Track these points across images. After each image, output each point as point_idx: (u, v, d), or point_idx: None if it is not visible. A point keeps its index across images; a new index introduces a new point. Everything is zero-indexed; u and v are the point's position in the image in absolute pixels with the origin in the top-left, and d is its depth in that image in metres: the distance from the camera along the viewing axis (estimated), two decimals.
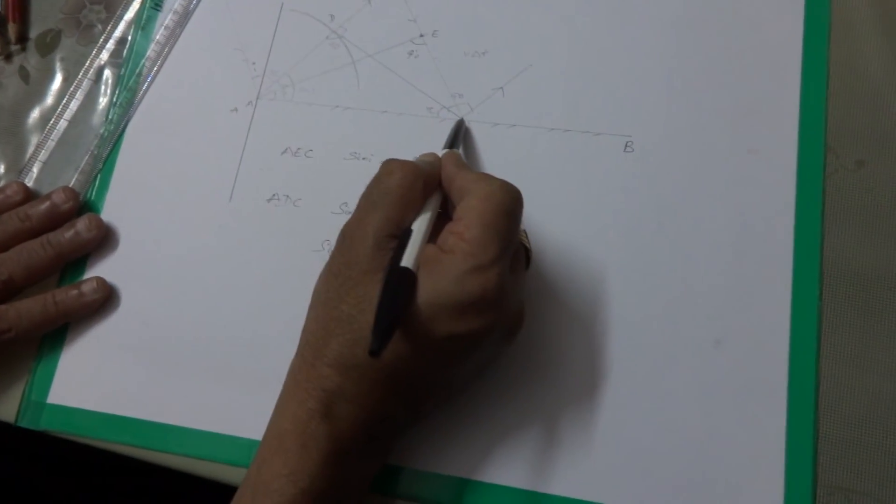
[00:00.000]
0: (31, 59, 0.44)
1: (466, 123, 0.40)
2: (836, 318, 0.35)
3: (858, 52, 0.39)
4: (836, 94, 0.38)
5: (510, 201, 0.31)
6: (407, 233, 0.31)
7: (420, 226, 0.31)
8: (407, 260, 0.29)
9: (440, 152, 0.35)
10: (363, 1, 0.43)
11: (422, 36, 0.42)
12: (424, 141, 0.40)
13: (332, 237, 0.38)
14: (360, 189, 0.39)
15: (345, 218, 0.38)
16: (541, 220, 0.38)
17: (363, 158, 0.40)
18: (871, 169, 0.37)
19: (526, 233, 0.35)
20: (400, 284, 0.29)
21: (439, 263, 0.30)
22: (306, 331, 0.32)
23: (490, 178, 0.32)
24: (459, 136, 0.38)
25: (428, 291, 0.29)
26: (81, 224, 0.39)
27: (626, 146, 0.39)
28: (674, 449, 0.34)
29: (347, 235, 0.32)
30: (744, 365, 0.35)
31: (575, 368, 0.36)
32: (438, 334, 0.29)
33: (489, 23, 0.41)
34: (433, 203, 0.32)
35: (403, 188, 0.31)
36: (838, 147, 0.37)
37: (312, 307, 0.32)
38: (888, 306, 0.35)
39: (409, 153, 0.40)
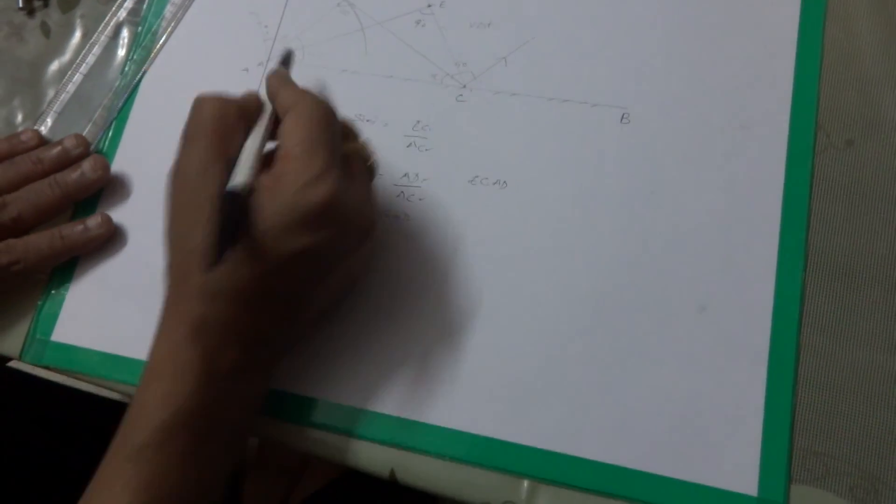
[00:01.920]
0: (53, 15, 0.46)
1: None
2: (819, 289, 0.36)
3: (852, 33, 0.40)
4: (829, 74, 0.39)
5: (323, 114, 0.33)
6: (233, 160, 0.31)
7: (250, 144, 0.32)
8: (238, 178, 0.30)
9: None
10: None
11: (429, 6, 0.43)
12: (427, 105, 0.41)
13: None
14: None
15: None
16: (538, 186, 0.39)
17: (367, 120, 0.41)
18: (860, 149, 0.38)
19: (366, 144, 0.36)
20: (227, 205, 0.29)
21: (275, 186, 0.31)
22: (168, 265, 0.33)
23: (302, 95, 0.33)
24: (289, 61, 0.38)
25: (270, 214, 0.30)
26: (87, 165, 0.41)
27: (623, 118, 0.40)
28: (655, 410, 0.35)
29: (174, 174, 0.33)
30: (727, 331, 0.36)
31: (554, 328, 0.37)
32: (289, 250, 0.31)
33: None
34: (262, 124, 0.33)
35: (215, 118, 0.33)
36: (829, 126, 0.38)
37: (167, 243, 0.33)
38: (870, 280, 0.36)
39: (413, 117, 0.41)
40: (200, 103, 0.33)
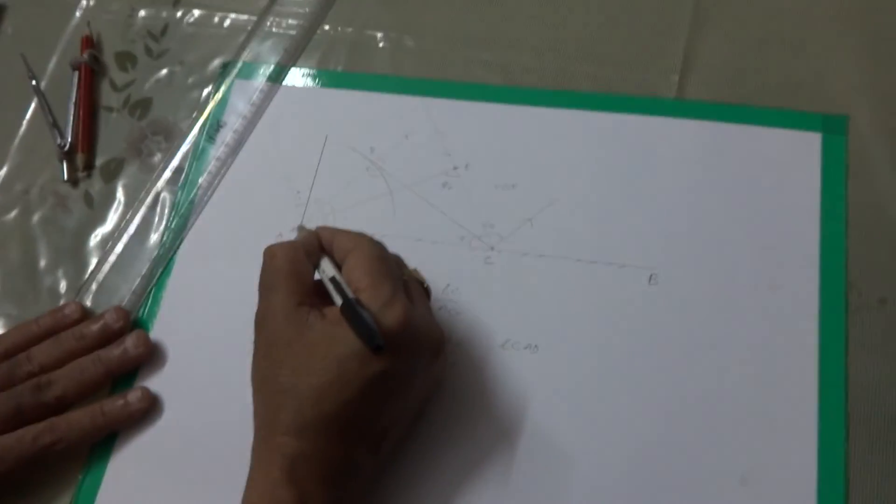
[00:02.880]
0: (96, 185, 0.48)
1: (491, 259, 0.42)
2: (862, 457, 0.35)
3: (876, 189, 0.40)
4: (857, 231, 0.40)
5: (380, 249, 0.36)
6: (333, 280, 0.35)
7: (337, 275, 0.35)
8: (349, 293, 0.34)
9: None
10: (401, 135, 0.46)
11: (455, 168, 0.45)
12: (457, 268, 0.42)
13: None
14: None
15: None
16: (569, 350, 0.39)
17: None
18: (894, 306, 0.38)
19: (417, 270, 0.39)
20: (358, 305, 0.32)
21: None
22: (256, 415, 0.35)
23: (355, 237, 0.36)
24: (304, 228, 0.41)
25: (351, 342, 0.32)
26: (129, 341, 0.42)
27: (651, 279, 0.40)
28: None
29: (259, 321, 0.36)
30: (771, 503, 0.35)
31: (591, 498, 0.36)
32: (370, 374, 0.32)
33: (518, 157, 0.44)
34: (325, 261, 0.36)
35: (290, 263, 0.35)
36: (860, 284, 0.38)
37: (255, 392, 0.35)
38: None
39: (443, 280, 0.42)
40: (273, 252, 0.36)
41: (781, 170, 0.41)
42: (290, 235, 0.45)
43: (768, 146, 0.42)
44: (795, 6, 0.46)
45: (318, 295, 0.35)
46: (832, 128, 0.42)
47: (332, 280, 0.35)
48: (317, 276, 0.37)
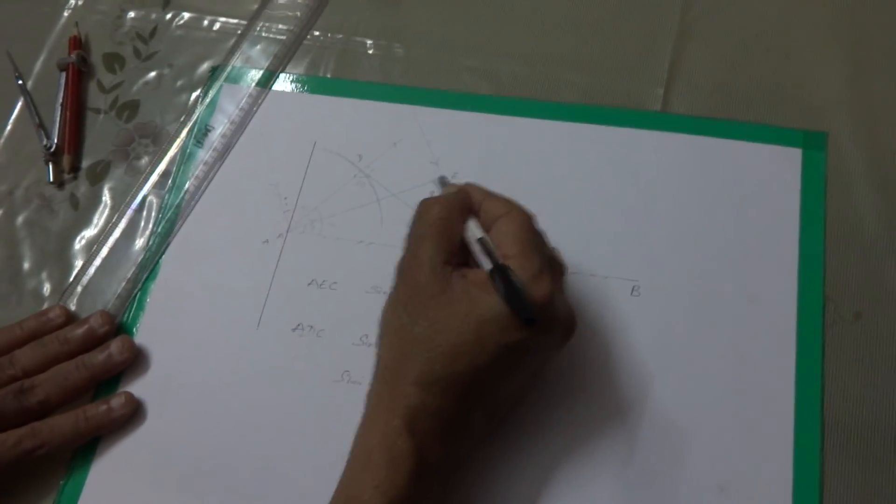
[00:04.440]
0: (82, 188, 0.48)
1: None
2: (837, 468, 0.36)
3: (854, 205, 0.41)
4: (834, 246, 0.40)
5: (530, 221, 0.35)
6: (483, 241, 0.34)
7: (484, 234, 0.35)
8: (488, 263, 0.33)
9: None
10: (389, 143, 0.46)
11: (444, 177, 0.44)
12: None
13: (353, 368, 0.41)
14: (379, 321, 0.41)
15: (365, 349, 0.41)
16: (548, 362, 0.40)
17: (383, 292, 0.42)
18: (869, 321, 0.39)
19: (556, 249, 0.38)
20: (508, 273, 0.32)
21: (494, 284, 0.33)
22: (382, 357, 0.35)
23: (509, 203, 0.36)
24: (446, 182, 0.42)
25: (494, 307, 0.32)
26: (114, 347, 0.42)
27: (633, 290, 0.41)
28: None
29: (406, 268, 0.36)
30: None
31: None
32: (504, 343, 0.32)
33: (505, 167, 0.45)
34: (474, 222, 0.36)
35: (444, 219, 0.35)
36: (837, 298, 0.39)
37: (384, 335, 0.35)
38: (889, 459, 0.36)
39: None
40: (429, 205, 0.36)
41: (762, 184, 0.42)
42: (276, 242, 0.45)
43: (750, 161, 0.43)
44: (779, 23, 0.47)
45: (460, 255, 0.35)
46: (812, 144, 0.43)
47: (482, 242, 0.34)
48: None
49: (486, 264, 0.34)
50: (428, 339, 0.33)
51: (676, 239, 0.41)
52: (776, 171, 0.42)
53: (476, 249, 0.35)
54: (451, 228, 0.35)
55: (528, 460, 0.38)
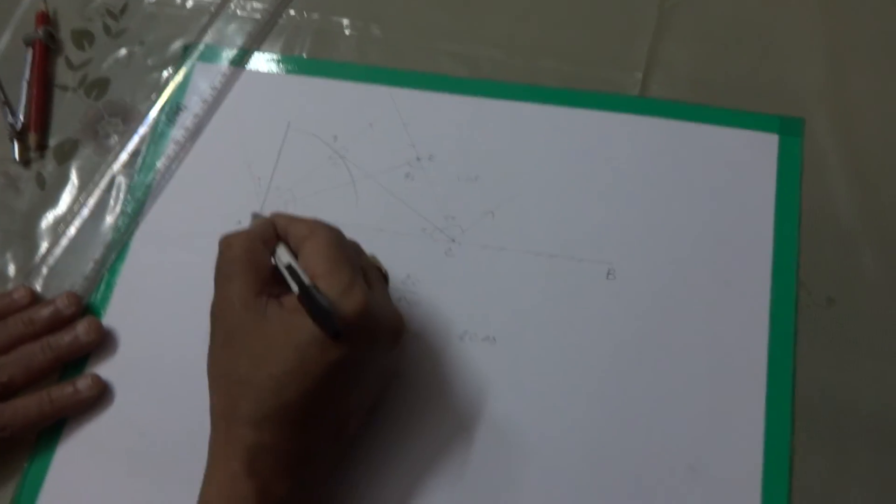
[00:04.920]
0: (48, 166, 0.47)
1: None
2: (808, 449, 0.36)
3: (829, 192, 0.41)
4: (808, 232, 0.40)
5: (336, 235, 0.35)
6: (289, 266, 0.34)
7: (294, 262, 0.34)
8: (306, 279, 0.33)
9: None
10: (365, 124, 0.46)
11: (418, 160, 0.44)
12: (417, 259, 0.42)
13: None
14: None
15: None
16: (527, 343, 0.39)
17: None
18: (841, 306, 0.39)
19: (375, 257, 0.39)
20: (315, 291, 0.32)
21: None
22: (214, 407, 0.34)
23: (313, 224, 0.36)
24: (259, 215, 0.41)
25: (310, 329, 0.32)
26: (81, 328, 0.41)
27: (609, 273, 0.41)
28: None
29: (218, 311, 0.35)
30: (716, 492, 0.36)
31: (543, 487, 0.37)
32: (329, 362, 0.32)
33: (482, 150, 0.44)
34: (281, 249, 0.36)
35: (247, 252, 0.35)
36: (810, 284, 0.39)
37: (211, 385, 0.35)
38: (857, 441, 0.36)
39: (403, 270, 0.42)
40: (229, 242, 0.35)
41: (738, 169, 0.42)
42: (249, 222, 0.44)
43: (726, 146, 0.42)
44: (759, 12, 0.47)
45: (275, 284, 0.35)
46: (789, 130, 0.43)
47: (289, 267, 0.34)
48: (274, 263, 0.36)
49: (295, 288, 0.33)
50: (252, 377, 0.32)
51: (652, 223, 0.41)
52: (752, 156, 0.42)
53: (286, 276, 0.34)
54: (256, 259, 0.35)
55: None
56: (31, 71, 0.48)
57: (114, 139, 0.47)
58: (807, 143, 0.42)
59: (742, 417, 0.37)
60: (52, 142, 0.47)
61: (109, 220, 0.45)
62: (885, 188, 0.41)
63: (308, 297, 0.32)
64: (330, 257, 0.34)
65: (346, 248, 0.35)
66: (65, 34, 0.50)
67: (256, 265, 0.35)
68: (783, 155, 0.42)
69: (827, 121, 0.43)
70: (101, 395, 0.40)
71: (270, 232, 0.36)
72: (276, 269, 0.35)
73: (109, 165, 0.46)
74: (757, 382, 0.38)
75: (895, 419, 0.37)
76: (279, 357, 0.32)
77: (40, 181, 0.46)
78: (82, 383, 0.40)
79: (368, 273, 0.37)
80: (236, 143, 0.46)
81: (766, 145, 0.42)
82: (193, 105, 0.47)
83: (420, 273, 0.42)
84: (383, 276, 0.39)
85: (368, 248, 0.43)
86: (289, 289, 0.34)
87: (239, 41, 0.49)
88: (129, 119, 0.47)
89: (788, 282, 0.39)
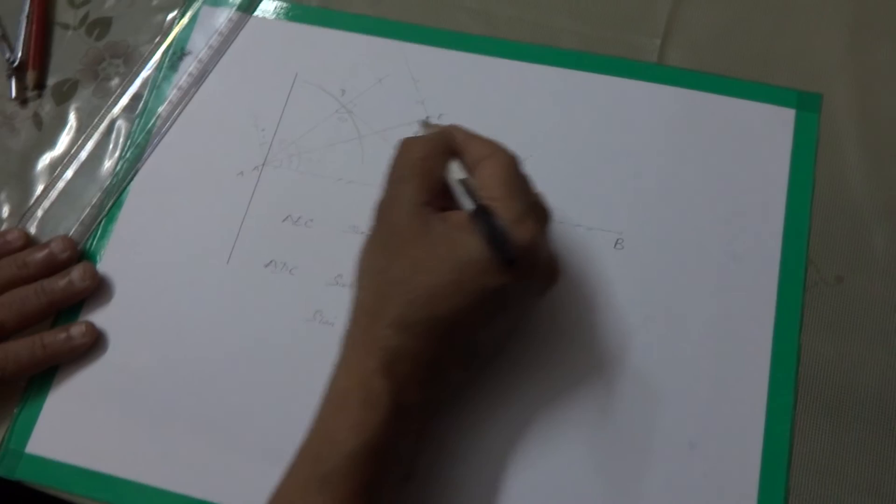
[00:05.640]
0: (46, 107, 0.45)
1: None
2: (808, 427, 0.36)
3: (843, 169, 0.41)
4: (820, 209, 0.40)
5: (513, 161, 0.34)
6: (465, 181, 0.33)
7: (468, 176, 0.33)
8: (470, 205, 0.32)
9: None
10: (374, 79, 0.44)
11: (428, 117, 0.43)
12: None
13: (325, 308, 0.40)
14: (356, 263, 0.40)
15: (339, 290, 0.40)
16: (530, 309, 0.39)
17: (361, 232, 0.41)
18: (850, 285, 0.39)
19: (540, 194, 0.37)
20: (490, 213, 0.31)
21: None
22: (358, 300, 0.34)
23: (494, 144, 0.35)
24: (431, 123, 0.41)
25: (475, 249, 0.31)
26: (76, 273, 0.40)
27: (617, 243, 0.40)
28: None
29: (384, 209, 0.34)
30: (717, 469, 0.36)
31: (545, 460, 0.36)
32: (487, 286, 0.31)
33: (494, 111, 0.43)
34: (457, 164, 0.35)
35: (425, 159, 0.34)
36: (819, 261, 0.39)
37: (361, 279, 0.34)
38: (858, 419, 0.36)
39: None
40: (410, 144, 0.35)
41: (753, 142, 0.41)
42: (251, 175, 0.43)
43: (742, 118, 0.42)
44: None
45: (443, 198, 0.34)
46: (806, 105, 0.42)
47: (464, 182, 0.33)
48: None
49: (468, 205, 0.32)
50: (406, 281, 0.32)
51: (663, 193, 0.40)
52: (768, 130, 0.41)
53: (458, 191, 0.33)
54: (432, 169, 0.34)
55: (504, 410, 0.37)
56: (31, 6, 0.47)
57: (115, 81, 0.46)
58: (823, 119, 0.42)
59: (744, 394, 0.37)
60: (51, 81, 0.46)
61: (107, 165, 0.44)
62: None
63: (484, 217, 0.31)
64: (508, 182, 0.33)
65: (522, 178, 0.34)
66: None
67: (431, 173, 0.34)
68: (799, 130, 0.41)
69: (845, 96, 0.42)
70: (95, 344, 0.40)
71: (448, 144, 0.35)
72: (447, 183, 0.34)
73: (109, 109, 0.45)
74: (761, 359, 0.37)
75: None
76: (440, 268, 0.31)
77: (37, 121, 0.45)
78: (76, 330, 0.39)
79: (537, 209, 0.35)
80: (241, 92, 0.45)
81: (782, 120, 0.41)
82: (198, 50, 0.45)
83: None
84: (547, 216, 0.37)
85: (372, 206, 0.42)
86: (457, 206, 0.33)
87: None
88: (131, 62, 0.46)
89: (798, 258, 0.39)
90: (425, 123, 0.40)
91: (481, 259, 0.31)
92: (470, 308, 0.32)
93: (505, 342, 0.37)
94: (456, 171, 0.34)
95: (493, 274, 0.31)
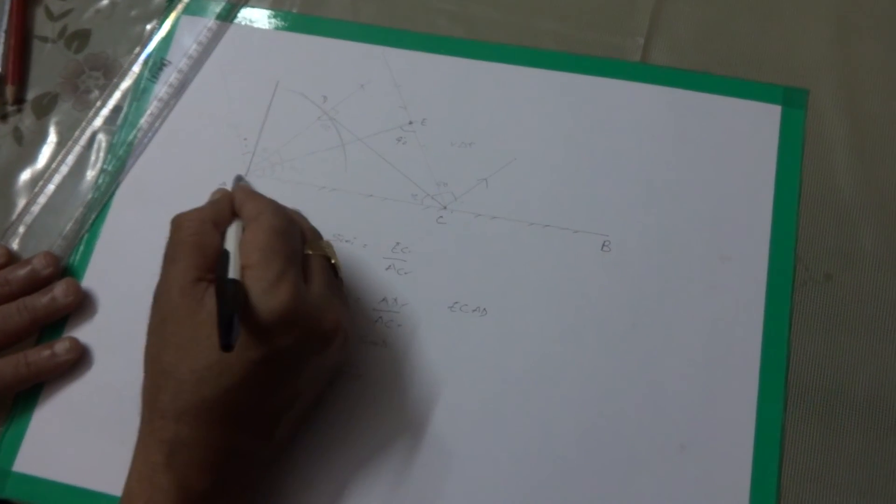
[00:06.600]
0: (26, 121, 0.45)
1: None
2: (799, 427, 0.36)
3: (830, 166, 0.40)
4: (808, 208, 0.40)
5: (279, 222, 0.34)
6: (224, 254, 0.33)
7: (233, 247, 0.33)
8: (232, 274, 0.31)
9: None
10: (356, 85, 0.44)
11: (411, 123, 0.43)
12: (407, 226, 0.41)
13: None
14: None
15: None
16: (518, 315, 0.38)
17: (346, 241, 0.41)
18: (839, 283, 0.38)
19: (331, 244, 0.37)
20: (232, 290, 0.31)
21: None
22: (142, 393, 0.33)
23: (260, 205, 0.34)
24: (242, 180, 0.41)
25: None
26: (59, 290, 0.40)
27: (604, 245, 0.40)
28: None
29: (158, 293, 0.34)
30: (707, 472, 0.35)
31: (533, 461, 0.36)
32: (251, 359, 0.31)
33: (477, 116, 0.43)
34: (234, 228, 0.34)
35: (195, 235, 0.34)
36: (808, 259, 0.39)
37: (144, 369, 0.34)
38: (848, 421, 0.36)
39: (392, 238, 0.41)
40: (179, 223, 0.34)
41: (739, 140, 0.41)
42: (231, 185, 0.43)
43: (728, 116, 0.41)
44: None
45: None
46: (792, 101, 0.41)
47: (222, 254, 0.33)
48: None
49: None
50: (174, 368, 0.31)
51: (650, 194, 0.40)
52: (754, 128, 0.41)
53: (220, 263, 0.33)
54: (203, 243, 0.33)
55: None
56: (9, 20, 0.46)
57: (95, 94, 0.45)
58: (810, 115, 0.41)
59: (735, 395, 0.36)
60: (30, 95, 0.45)
61: (89, 178, 0.43)
62: (888, 164, 0.40)
63: (219, 295, 0.30)
64: (265, 246, 0.32)
65: (285, 237, 0.33)
66: None
67: (203, 248, 0.33)
68: (785, 127, 0.41)
69: (831, 92, 0.42)
70: (80, 359, 0.39)
71: (226, 210, 0.35)
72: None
73: (90, 121, 0.44)
74: (751, 359, 0.37)
75: (888, 398, 0.36)
76: (202, 350, 0.31)
77: (17, 136, 0.45)
78: (60, 346, 0.39)
79: (312, 264, 0.35)
80: (222, 102, 0.44)
81: (768, 117, 0.41)
82: (178, 60, 0.45)
83: (410, 241, 0.40)
84: (333, 267, 0.37)
85: (357, 214, 0.42)
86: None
87: None
88: (111, 73, 0.45)
89: (786, 257, 0.38)
90: (236, 178, 0.40)
91: (243, 332, 0.30)
92: (240, 384, 0.31)
93: (315, 402, 0.36)
94: (230, 240, 0.33)
95: (252, 347, 0.31)
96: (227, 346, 0.29)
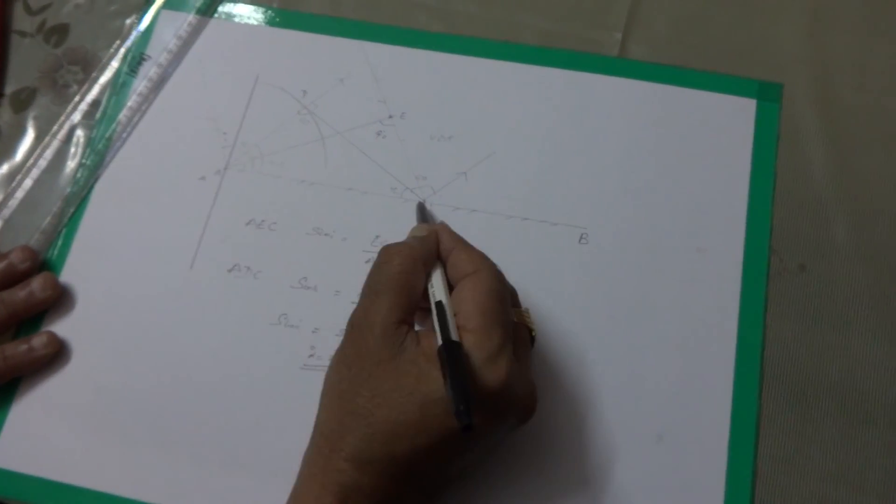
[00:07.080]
0: (4, 115, 0.45)
1: (428, 206, 0.41)
2: (774, 415, 0.36)
3: (804, 158, 0.41)
4: (782, 197, 0.40)
5: (499, 286, 0.32)
6: (440, 306, 0.31)
7: (444, 298, 0.31)
8: (453, 333, 0.30)
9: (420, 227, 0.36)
10: (336, 79, 0.44)
11: (390, 117, 0.43)
12: (387, 219, 0.41)
13: (290, 311, 0.40)
14: (321, 264, 0.40)
15: (303, 292, 0.40)
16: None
17: (325, 234, 0.41)
18: (813, 273, 0.39)
19: (528, 311, 0.35)
20: (456, 355, 0.29)
21: None
22: (320, 421, 0.32)
23: (477, 260, 0.33)
24: (426, 214, 0.40)
25: (441, 387, 0.29)
26: (36, 284, 0.40)
27: (581, 238, 0.40)
28: None
29: (356, 325, 0.32)
30: (684, 461, 0.36)
31: (518, 458, 0.36)
32: (457, 428, 0.29)
33: (456, 109, 0.43)
34: (440, 275, 0.33)
35: (404, 273, 0.32)
36: (782, 250, 0.39)
37: (326, 396, 0.32)
38: (822, 409, 0.37)
39: (372, 231, 0.41)
40: (390, 256, 0.33)
41: (715, 134, 0.41)
42: (214, 179, 0.43)
43: (703, 109, 0.42)
44: None
45: (422, 307, 0.32)
46: (767, 95, 0.42)
47: (438, 308, 0.31)
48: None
49: (438, 337, 0.30)
50: (368, 413, 0.30)
51: (626, 187, 0.40)
52: (730, 120, 0.41)
53: (434, 315, 0.31)
54: (410, 283, 0.32)
55: None
56: None
57: (73, 88, 0.45)
58: (785, 108, 0.42)
59: (711, 385, 0.37)
60: (8, 90, 0.45)
61: (68, 172, 0.43)
62: (860, 157, 0.41)
63: (449, 362, 0.29)
64: (486, 311, 0.31)
65: (504, 303, 0.32)
66: None
67: (409, 288, 0.32)
68: (760, 120, 0.41)
69: (806, 86, 0.42)
70: (58, 354, 0.39)
71: (434, 251, 0.34)
72: (427, 291, 0.33)
73: (68, 116, 0.44)
74: (727, 349, 0.37)
75: (860, 387, 0.37)
76: (402, 404, 0.29)
77: None
78: (38, 341, 0.39)
79: (518, 334, 0.33)
80: (202, 96, 0.44)
81: (743, 110, 0.42)
82: (157, 55, 0.45)
83: (389, 234, 0.41)
84: (532, 338, 0.35)
85: (336, 207, 0.42)
86: (432, 319, 0.31)
87: None
88: (90, 68, 0.45)
89: (761, 248, 0.39)
90: (420, 209, 0.39)
91: (447, 400, 0.29)
92: (432, 447, 0.30)
93: (472, 474, 0.36)
94: (436, 285, 0.32)
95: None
96: (467, 427, 0.27)
